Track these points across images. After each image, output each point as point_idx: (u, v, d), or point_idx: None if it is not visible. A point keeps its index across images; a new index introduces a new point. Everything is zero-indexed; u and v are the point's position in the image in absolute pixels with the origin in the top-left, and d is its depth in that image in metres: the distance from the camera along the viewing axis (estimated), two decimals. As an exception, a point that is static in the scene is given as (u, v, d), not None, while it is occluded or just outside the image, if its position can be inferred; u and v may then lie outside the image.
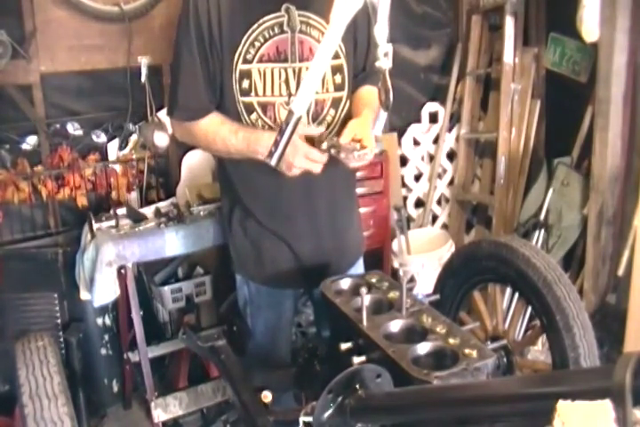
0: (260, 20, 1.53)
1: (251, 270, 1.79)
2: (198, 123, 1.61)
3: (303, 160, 1.45)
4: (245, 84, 1.57)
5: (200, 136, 1.63)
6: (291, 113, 1.34)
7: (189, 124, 1.63)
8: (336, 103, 1.65)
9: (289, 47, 1.56)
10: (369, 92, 1.70)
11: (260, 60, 1.56)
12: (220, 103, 1.61)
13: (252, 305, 1.85)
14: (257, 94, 1.58)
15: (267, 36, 1.55)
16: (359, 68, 1.69)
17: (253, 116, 1.60)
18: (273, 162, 1.40)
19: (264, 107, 1.59)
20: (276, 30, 1.55)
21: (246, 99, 1.58)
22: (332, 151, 1.44)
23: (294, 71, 1.58)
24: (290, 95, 1.58)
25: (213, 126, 1.59)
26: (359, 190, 2.51)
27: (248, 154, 1.55)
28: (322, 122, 1.64)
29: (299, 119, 1.35)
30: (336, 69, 1.61)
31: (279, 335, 1.88)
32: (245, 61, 1.55)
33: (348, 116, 1.65)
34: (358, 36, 1.62)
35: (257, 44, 1.55)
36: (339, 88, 1.65)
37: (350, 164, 1.47)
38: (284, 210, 1.68)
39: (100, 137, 2.62)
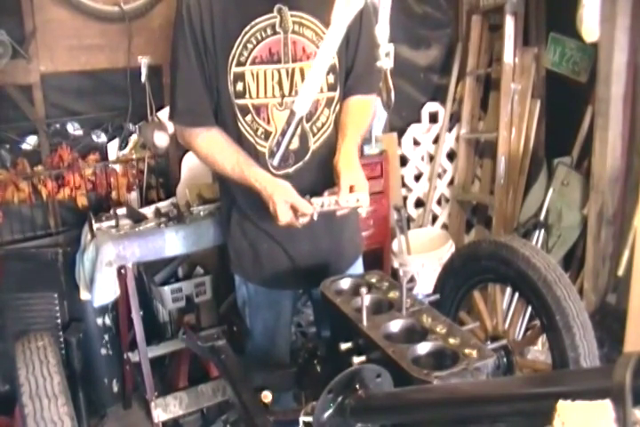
0: (253, 22, 1.53)
1: (248, 271, 1.79)
2: (198, 141, 1.62)
3: (285, 223, 1.50)
4: (239, 86, 1.57)
5: (201, 156, 1.66)
6: (292, 113, 1.35)
7: (190, 132, 1.63)
8: (329, 103, 1.65)
9: (282, 48, 1.57)
10: (358, 107, 1.70)
11: (253, 62, 1.56)
12: (216, 105, 1.62)
13: (250, 305, 1.85)
14: (251, 96, 1.58)
15: (259, 37, 1.55)
16: (348, 67, 1.69)
17: (248, 117, 1.60)
18: (275, 162, 1.41)
19: (258, 109, 1.60)
20: (269, 32, 1.55)
21: (241, 101, 1.59)
22: (324, 209, 1.48)
23: (287, 72, 1.58)
24: (283, 96, 1.59)
25: (212, 153, 1.61)
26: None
27: (243, 184, 1.58)
28: (316, 122, 1.64)
29: (301, 119, 1.35)
30: (329, 69, 1.60)
31: (278, 336, 1.87)
32: (239, 64, 1.56)
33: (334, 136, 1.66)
34: (350, 35, 1.61)
35: (250, 46, 1.55)
36: (332, 88, 1.65)
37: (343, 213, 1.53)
38: None
39: (100, 137, 2.62)
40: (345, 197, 1.48)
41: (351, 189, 1.49)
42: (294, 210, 1.48)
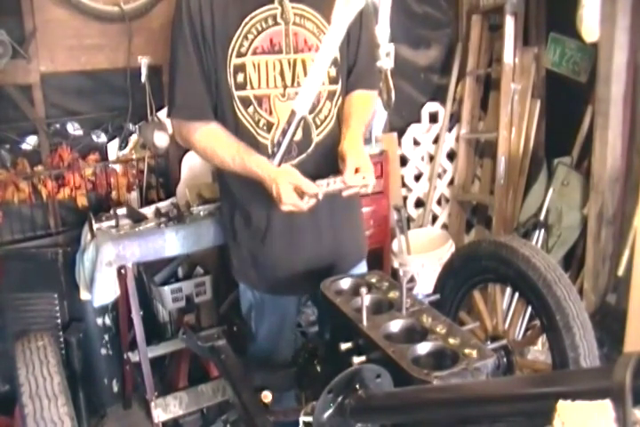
0: (253, 13, 1.54)
1: (253, 279, 1.78)
2: (196, 135, 1.61)
3: (290, 206, 1.48)
4: (240, 77, 1.57)
5: (199, 150, 1.65)
6: (293, 113, 1.35)
7: (188, 127, 1.63)
8: (331, 96, 1.65)
9: (283, 39, 1.57)
10: (361, 99, 1.70)
11: (254, 53, 1.56)
12: (216, 100, 1.62)
13: (256, 310, 1.84)
14: (252, 87, 1.58)
15: (259, 28, 1.55)
16: (350, 63, 1.69)
17: (250, 109, 1.59)
18: (275, 162, 1.40)
19: (260, 100, 1.59)
20: (270, 22, 1.55)
21: (242, 93, 1.58)
22: (329, 189, 1.48)
23: (289, 63, 1.58)
24: (285, 87, 1.58)
25: (211, 145, 1.60)
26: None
27: (244, 175, 1.56)
28: (318, 114, 1.64)
29: (301, 119, 1.35)
30: (331, 62, 1.60)
31: (281, 339, 1.87)
32: (239, 55, 1.55)
33: (338, 128, 1.66)
34: (351, 33, 1.61)
35: (250, 36, 1.54)
36: (333, 81, 1.65)
37: (349, 194, 1.53)
38: (283, 216, 1.67)
39: (100, 137, 2.62)
40: (350, 176, 1.48)
41: (356, 171, 1.49)
42: (299, 192, 1.45)
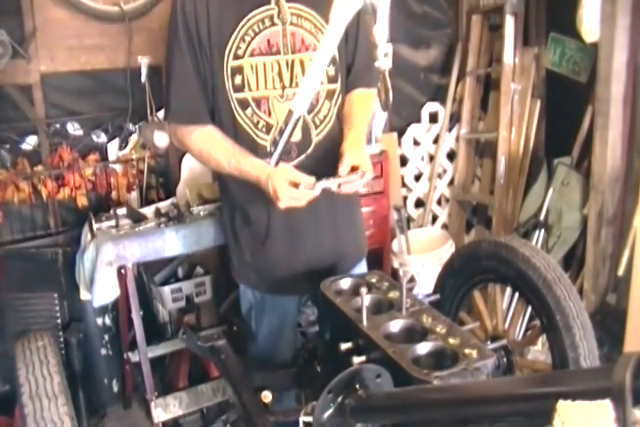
0: (250, 15, 1.53)
1: (253, 281, 1.78)
2: (192, 137, 1.61)
3: (288, 200, 1.45)
4: (238, 79, 1.56)
5: (195, 153, 1.65)
6: (290, 113, 1.35)
7: (183, 131, 1.62)
8: (330, 95, 1.65)
9: (280, 39, 1.56)
10: (361, 98, 1.70)
11: (252, 55, 1.55)
12: (213, 103, 1.61)
13: (256, 310, 1.84)
14: (250, 89, 1.57)
15: (257, 29, 1.54)
16: (349, 62, 1.69)
17: (248, 111, 1.59)
18: (272, 162, 1.40)
19: (258, 101, 1.58)
20: (267, 23, 1.54)
21: (240, 95, 1.58)
22: (325, 187, 1.45)
23: (287, 63, 1.57)
24: (283, 88, 1.58)
25: (207, 147, 1.59)
26: (359, 190, 2.51)
27: (240, 178, 1.55)
28: (317, 114, 1.63)
29: (299, 119, 1.35)
30: (330, 61, 1.58)
31: (282, 339, 1.87)
32: (236, 57, 1.55)
33: (340, 126, 1.65)
34: (349, 33, 1.60)
35: (247, 38, 1.54)
36: (332, 80, 1.64)
37: (347, 191, 1.49)
38: (283, 216, 1.66)
39: (100, 137, 2.62)
40: (345, 171, 1.46)
41: (354, 170, 1.47)
42: (295, 186, 1.42)
